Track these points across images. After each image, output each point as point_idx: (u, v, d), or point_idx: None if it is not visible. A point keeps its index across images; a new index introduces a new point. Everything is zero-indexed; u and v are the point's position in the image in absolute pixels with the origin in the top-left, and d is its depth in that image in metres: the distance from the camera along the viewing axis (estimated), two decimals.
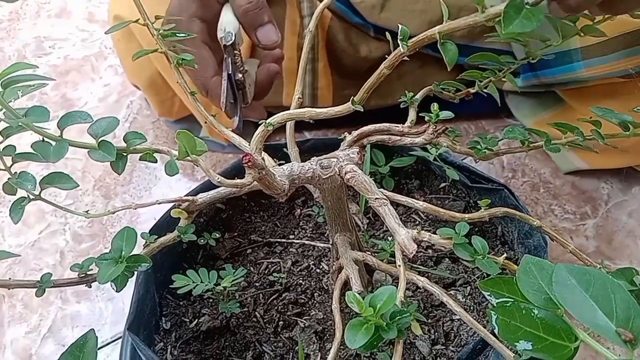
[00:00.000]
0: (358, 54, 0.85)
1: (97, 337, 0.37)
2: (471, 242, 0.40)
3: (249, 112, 0.62)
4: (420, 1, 0.84)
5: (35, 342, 0.78)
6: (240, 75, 0.57)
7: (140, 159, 0.39)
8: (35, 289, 0.38)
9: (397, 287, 0.37)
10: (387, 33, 0.39)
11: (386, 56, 0.39)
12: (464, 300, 0.55)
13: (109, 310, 0.80)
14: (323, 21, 0.84)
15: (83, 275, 0.39)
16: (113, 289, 0.39)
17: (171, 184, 0.92)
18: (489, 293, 0.37)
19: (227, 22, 0.59)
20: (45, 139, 0.35)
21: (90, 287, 0.41)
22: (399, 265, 0.40)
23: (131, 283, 0.71)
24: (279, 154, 0.56)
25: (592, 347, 0.30)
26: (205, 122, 0.48)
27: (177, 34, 0.50)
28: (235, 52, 0.58)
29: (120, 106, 1.03)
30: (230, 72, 0.57)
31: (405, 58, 0.36)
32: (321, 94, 0.84)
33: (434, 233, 0.40)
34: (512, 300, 0.36)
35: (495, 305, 0.35)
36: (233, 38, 0.57)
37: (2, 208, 0.91)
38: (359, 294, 0.36)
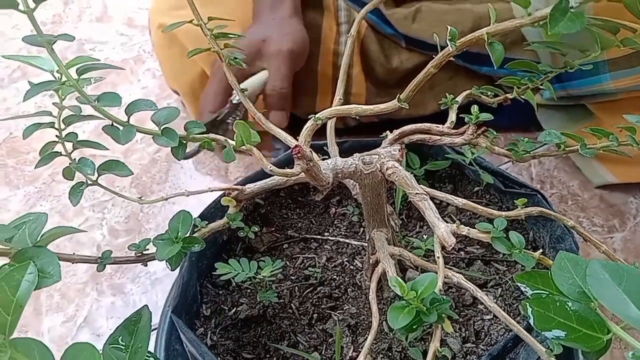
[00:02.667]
0: (390, 65, 0.88)
1: (150, 312, 0.40)
2: (508, 236, 0.42)
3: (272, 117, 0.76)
4: (451, 13, 0.86)
5: (71, 331, 0.81)
6: (223, 127, 0.72)
7: (200, 146, 0.41)
8: (96, 265, 0.40)
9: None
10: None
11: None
12: (495, 301, 0.57)
13: (143, 303, 0.82)
14: (359, 30, 0.86)
15: (139, 254, 0.42)
16: (168, 267, 0.41)
17: (206, 183, 0.95)
18: (524, 285, 0.38)
19: (256, 82, 0.75)
20: (114, 124, 0.38)
21: (146, 265, 0.43)
22: (438, 257, 0.42)
23: (169, 273, 0.74)
24: (319, 153, 0.58)
25: (624, 340, 0.31)
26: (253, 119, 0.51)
27: (229, 35, 0.53)
28: (234, 113, 0.72)
29: (151, 100, 1.07)
30: (221, 118, 0.71)
31: (452, 58, 0.38)
32: (354, 100, 0.87)
33: (473, 227, 0.42)
34: (547, 292, 0.37)
35: (530, 297, 0.37)
36: (239, 102, 0.71)
37: (42, 202, 0.95)
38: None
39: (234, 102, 0.71)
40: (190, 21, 0.53)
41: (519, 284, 0.39)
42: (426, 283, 0.37)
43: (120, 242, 0.89)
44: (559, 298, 0.35)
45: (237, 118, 0.72)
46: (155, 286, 0.84)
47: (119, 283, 0.85)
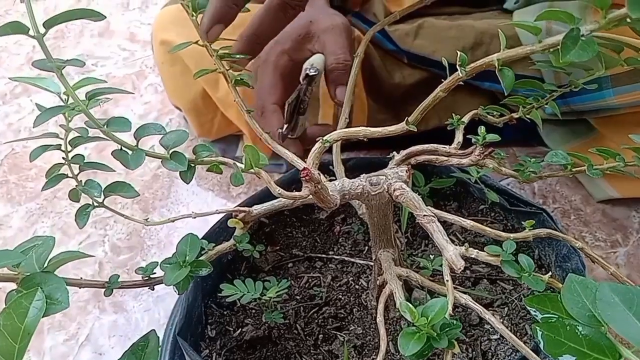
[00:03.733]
0: (392, 80, 0.88)
1: (158, 337, 0.39)
2: (517, 260, 0.42)
3: (289, 146, 0.67)
4: (453, 28, 0.86)
5: (73, 350, 0.80)
6: (303, 106, 0.63)
7: (207, 170, 0.41)
8: (104, 289, 0.40)
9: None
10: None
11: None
12: (501, 321, 0.56)
13: (145, 321, 0.82)
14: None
15: (147, 277, 0.41)
16: (175, 291, 0.41)
17: (208, 200, 0.95)
18: (534, 309, 0.38)
19: (317, 62, 0.68)
20: (123, 148, 0.38)
21: (154, 289, 0.43)
22: (447, 281, 0.42)
23: (171, 291, 0.74)
24: (325, 174, 0.58)
25: None
26: (260, 139, 0.51)
27: (232, 55, 0.53)
28: (310, 87, 0.64)
29: (160, 123, 1.07)
30: (299, 98, 0.62)
31: (461, 83, 0.38)
32: (356, 117, 0.87)
33: (481, 250, 0.42)
34: (557, 316, 0.37)
35: (539, 320, 0.37)
36: (317, 73, 0.64)
37: (44, 219, 0.94)
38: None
39: (311, 73, 0.63)
40: (196, 42, 0.53)
41: (528, 308, 0.39)
42: (437, 309, 0.37)
43: (122, 259, 0.89)
44: (569, 322, 0.35)
45: (310, 95, 0.64)
46: (157, 304, 0.83)
47: (121, 301, 0.84)
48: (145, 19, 1.29)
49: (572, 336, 0.35)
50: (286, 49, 0.69)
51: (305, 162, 0.44)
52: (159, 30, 0.91)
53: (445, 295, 0.47)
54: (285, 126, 0.63)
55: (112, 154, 0.38)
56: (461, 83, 0.37)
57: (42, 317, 0.34)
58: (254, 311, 0.59)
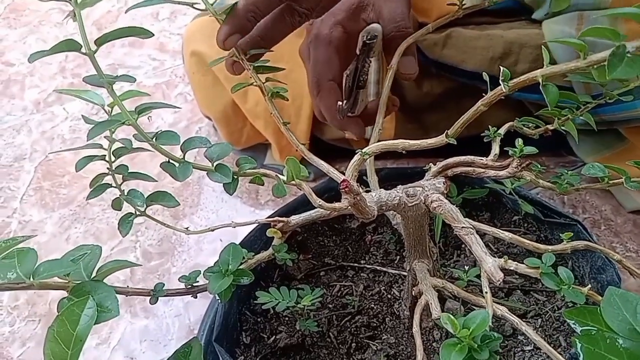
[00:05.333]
0: (420, 90, 0.88)
1: (202, 344, 0.40)
2: (556, 272, 0.42)
3: (350, 125, 0.64)
4: (482, 38, 0.86)
5: (105, 354, 0.82)
6: (363, 78, 0.58)
7: (250, 182, 0.42)
8: (149, 297, 0.41)
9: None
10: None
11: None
12: (535, 332, 0.56)
13: (176, 326, 0.83)
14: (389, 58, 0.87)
15: (190, 286, 0.42)
16: (217, 299, 0.42)
17: (237, 207, 0.96)
18: (573, 322, 0.38)
19: (374, 30, 0.61)
20: (171, 160, 0.39)
21: (196, 297, 0.44)
22: (486, 293, 0.42)
23: (202, 299, 0.74)
24: (358, 183, 0.58)
25: None
26: (296, 150, 0.52)
27: (269, 67, 0.54)
28: (368, 59, 0.59)
29: (190, 132, 1.09)
30: (358, 70, 0.58)
31: (502, 97, 0.38)
32: (385, 127, 0.87)
33: (521, 262, 0.42)
34: (597, 329, 0.37)
35: (579, 333, 0.37)
36: (375, 40, 0.58)
37: (77, 224, 0.97)
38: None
39: (368, 41, 0.58)
40: (231, 56, 0.54)
41: (567, 320, 0.39)
42: (478, 321, 0.37)
43: (154, 264, 0.90)
44: (609, 335, 0.35)
45: (369, 66, 0.59)
46: (188, 309, 0.85)
47: (151, 306, 0.85)
48: (174, 29, 1.32)
49: (612, 349, 0.35)
50: (339, 20, 0.64)
51: (344, 174, 0.45)
52: (189, 41, 0.93)
53: (480, 307, 0.47)
54: (345, 102, 0.59)
55: (160, 166, 0.39)
56: (502, 97, 0.37)
57: (94, 324, 0.36)
58: (287, 319, 0.59)
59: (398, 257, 0.64)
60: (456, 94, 0.87)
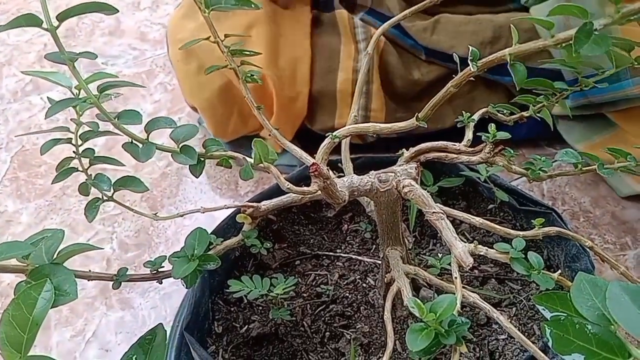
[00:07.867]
0: (410, 77, 0.87)
1: (165, 330, 0.39)
2: (527, 257, 0.42)
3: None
4: (470, 23, 0.86)
5: (79, 346, 0.81)
6: None
7: (216, 164, 0.41)
8: (112, 283, 0.40)
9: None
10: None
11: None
12: (509, 320, 0.56)
13: (152, 318, 0.82)
14: (377, 45, 0.86)
15: (155, 271, 0.41)
16: (183, 285, 0.41)
17: (216, 198, 0.95)
18: (543, 307, 0.38)
19: None
20: (134, 141, 0.38)
21: (162, 283, 0.43)
22: (455, 278, 0.41)
23: (178, 288, 0.73)
24: (333, 170, 0.58)
25: None
26: (269, 135, 0.51)
27: (244, 52, 0.53)
28: None
29: (171, 117, 1.08)
30: None
31: (471, 78, 0.38)
32: (374, 116, 0.86)
33: (486, 245, 0.42)
34: (566, 315, 0.37)
35: (548, 319, 0.36)
36: None
37: (53, 215, 0.95)
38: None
39: None
40: (207, 38, 0.53)
41: (537, 306, 0.39)
42: (445, 305, 0.36)
43: (130, 256, 0.89)
44: (578, 320, 0.35)
45: None
46: (164, 301, 0.83)
47: (128, 297, 0.84)
48: (156, 18, 1.30)
49: (581, 335, 0.35)
50: None
51: (314, 157, 0.44)
52: (173, 29, 0.92)
53: (453, 293, 0.47)
54: None
55: (122, 146, 0.38)
56: (472, 78, 0.37)
57: (51, 308, 0.35)
58: (260, 308, 0.59)
59: (374, 246, 0.64)
60: (446, 81, 0.87)
